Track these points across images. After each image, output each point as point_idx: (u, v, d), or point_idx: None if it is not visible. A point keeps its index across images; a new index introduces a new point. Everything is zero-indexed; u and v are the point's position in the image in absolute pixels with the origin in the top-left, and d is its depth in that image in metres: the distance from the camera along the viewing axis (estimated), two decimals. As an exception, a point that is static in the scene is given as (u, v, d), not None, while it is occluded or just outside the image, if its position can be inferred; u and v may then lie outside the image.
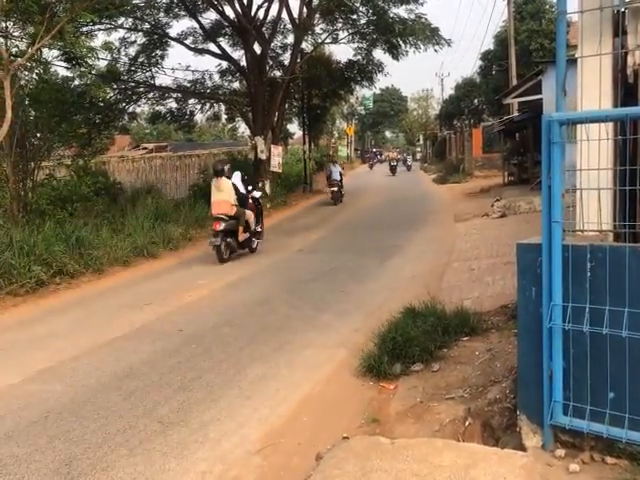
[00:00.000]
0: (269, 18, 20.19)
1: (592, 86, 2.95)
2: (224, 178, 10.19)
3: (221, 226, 9.76)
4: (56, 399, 4.44)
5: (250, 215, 10.53)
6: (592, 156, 2.81)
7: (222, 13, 19.07)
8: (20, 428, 3.97)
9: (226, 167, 10.36)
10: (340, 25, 20.79)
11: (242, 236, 10.32)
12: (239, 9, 18.33)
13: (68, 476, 3.34)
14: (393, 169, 37.26)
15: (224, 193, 10.06)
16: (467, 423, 3.51)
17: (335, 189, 19.06)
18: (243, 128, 37.33)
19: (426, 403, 3.92)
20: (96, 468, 3.41)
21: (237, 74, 21.39)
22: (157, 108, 21.39)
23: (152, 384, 4.65)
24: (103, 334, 6.11)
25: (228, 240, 9.99)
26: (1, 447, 3.70)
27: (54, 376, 4.94)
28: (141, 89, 19.59)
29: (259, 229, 11.14)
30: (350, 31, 20.82)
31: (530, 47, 24.37)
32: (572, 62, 2.98)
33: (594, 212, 2.83)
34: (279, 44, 22.18)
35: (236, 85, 22.76)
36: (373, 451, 2.96)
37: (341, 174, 20.06)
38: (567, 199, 2.81)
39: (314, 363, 5.04)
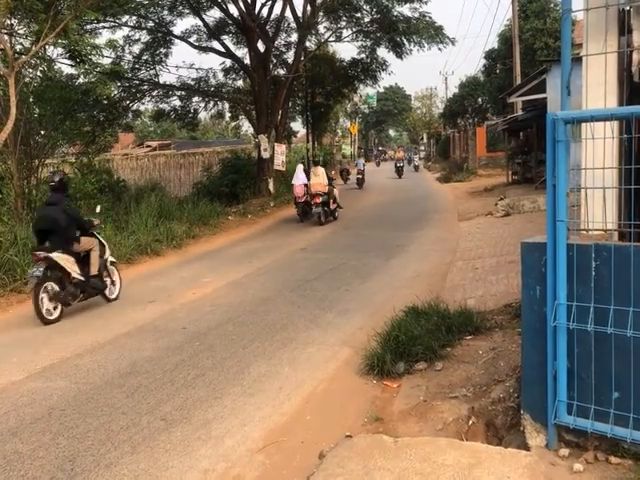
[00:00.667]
0: (273, 16, 20.24)
1: (597, 84, 2.94)
2: (319, 166, 14.83)
3: (320, 199, 13.91)
4: (59, 396, 4.45)
5: (336, 192, 14.94)
6: (597, 155, 2.80)
7: (226, 11, 19.09)
8: (24, 425, 3.99)
9: (320, 159, 16.65)
10: (344, 23, 20.76)
11: (332, 206, 14.60)
12: (243, 7, 18.34)
13: (71, 472, 3.35)
14: (399, 170, 31.28)
15: (320, 177, 14.27)
16: (471, 422, 3.51)
17: (360, 176, 24.74)
18: (247, 126, 37.34)
19: (429, 402, 3.91)
20: (99, 465, 3.42)
21: (241, 72, 21.40)
22: (161, 106, 21.41)
23: (155, 381, 4.66)
24: (106, 331, 6.13)
25: (325, 209, 14.16)
26: (5, 443, 3.72)
27: (58, 373, 4.96)
28: (145, 87, 19.61)
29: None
30: (354, 29, 20.77)
31: (534, 46, 24.26)
32: (577, 60, 2.97)
33: (599, 211, 2.81)
34: (283, 42, 22.23)
35: (240, 83, 22.85)
36: (376, 450, 2.95)
37: (364, 165, 26.49)
38: (572, 198, 2.80)
39: (317, 361, 5.04)
